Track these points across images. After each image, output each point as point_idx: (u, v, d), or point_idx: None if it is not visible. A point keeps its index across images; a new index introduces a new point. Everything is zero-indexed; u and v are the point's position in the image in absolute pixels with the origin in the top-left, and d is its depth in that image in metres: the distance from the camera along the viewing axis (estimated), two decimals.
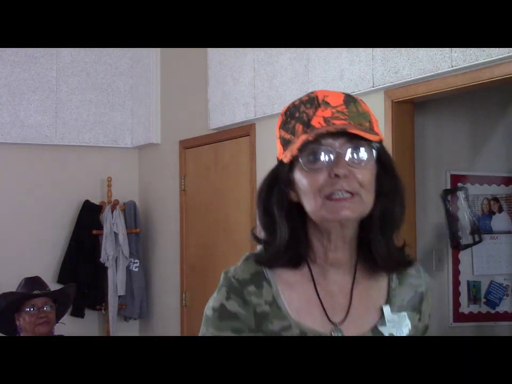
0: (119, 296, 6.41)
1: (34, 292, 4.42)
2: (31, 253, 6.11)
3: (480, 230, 5.37)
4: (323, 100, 1.72)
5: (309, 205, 1.71)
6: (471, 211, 5.37)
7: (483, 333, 5.33)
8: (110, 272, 6.39)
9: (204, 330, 1.78)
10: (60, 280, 6.19)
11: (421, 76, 4.31)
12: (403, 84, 4.45)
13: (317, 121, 1.69)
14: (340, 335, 1.76)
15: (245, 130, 5.53)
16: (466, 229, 5.35)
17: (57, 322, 4.53)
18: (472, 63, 4.07)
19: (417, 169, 4.74)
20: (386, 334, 1.77)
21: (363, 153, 1.70)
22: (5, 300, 4.53)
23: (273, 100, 5.21)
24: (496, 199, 5.45)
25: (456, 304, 5.32)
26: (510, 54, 3.90)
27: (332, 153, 1.68)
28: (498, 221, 5.44)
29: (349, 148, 1.68)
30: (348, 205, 1.68)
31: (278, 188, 1.77)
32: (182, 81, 6.23)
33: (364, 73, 4.61)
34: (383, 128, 4.56)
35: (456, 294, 5.32)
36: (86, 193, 6.51)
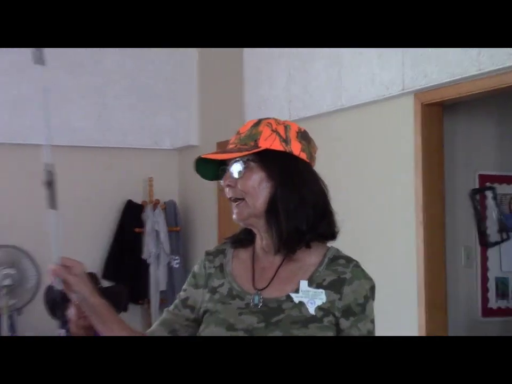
0: (161, 291, 6.45)
1: None
2: (78, 250, 6.10)
3: (507, 228, 5.36)
4: (238, 130, 2.20)
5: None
6: (499, 210, 5.35)
7: (511, 327, 5.31)
8: (152, 269, 6.46)
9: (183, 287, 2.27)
10: (104, 276, 6.26)
11: (450, 79, 4.31)
12: (432, 87, 4.44)
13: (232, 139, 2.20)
14: (258, 297, 2.09)
15: None
16: (494, 227, 5.33)
17: None
18: (499, 67, 4.05)
19: (447, 169, 4.73)
20: (296, 301, 2.05)
21: (238, 167, 2.09)
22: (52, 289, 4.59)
23: (307, 104, 5.23)
24: None
25: (485, 299, 5.31)
26: None
27: (224, 170, 2.13)
28: None
29: (233, 163, 2.11)
30: (236, 210, 2.13)
31: None
32: (219, 85, 6.27)
33: (395, 78, 4.62)
34: (412, 129, 4.57)
35: (485, 290, 5.31)
36: (128, 193, 6.57)
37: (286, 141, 2.10)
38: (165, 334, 2.18)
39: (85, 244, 6.30)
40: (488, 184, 5.33)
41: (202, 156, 2.12)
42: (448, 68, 4.30)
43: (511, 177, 5.40)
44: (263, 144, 2.08)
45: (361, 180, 4.93)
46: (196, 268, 2.27)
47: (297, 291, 2.06)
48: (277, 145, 2.09)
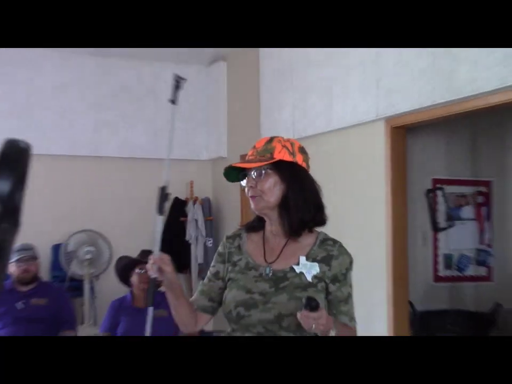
0: (198, 264, 6.44)
1: (144, 260, 4.55)
2: (141, 234, 6.17)
3: (453, 217, 5.37)
4: (254, 145, 2.16)
5: None
6: (447, 204, 5.36)
7: (454, 291, 5.34)
8: (192, 247, 6.42)
9: (211, 264, 2.25)
10: None
11: (411, 109, 4.30)
12: (398, 115, 4.43)
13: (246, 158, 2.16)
14: (269, 269, 2.10)
15: None
16: (443, 217, 5.34)
17: None
18: (447, 100, 4.07)
19: (409, 175, 4.73)
20: (298, 272, 2.07)
21: (258, 172, 2.09)
22: (125, 260, 4.68)
23: (306, 126, 5.23)
24: (464, 196, 5.44)
25: (436, 270, 5.33)
26: (472, 93, 3.91)
27: (245, 175, 2.13)
28: (465, 212, 5.43)
29: (253, 171, 2.10)
30: (253, 203, 2.12)
31: None
32: (242, 112, 6.26)
33: (371, 108, 4.62)
34: (383, 145, 4.60)
35: (436, 263, 5.33)
36: (175, 192, 6.48)
37: (293, 154, 2.11)
38: (206, 301, 2.18)
39: (148, 229, 6.33)
40: (438, 185, 5.34)
41: (233, 165, 2.14)
42: (410, 101, 4.32)
43: (455, 180, 5.39)
44: (277, 156, 2.08)
45: (347, 182, 4.93)
46: (220, 248, 2.25)
47: (297, 264, 2.08)
48: (287, 157, 2.09)
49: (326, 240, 2.15)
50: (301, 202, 2.09)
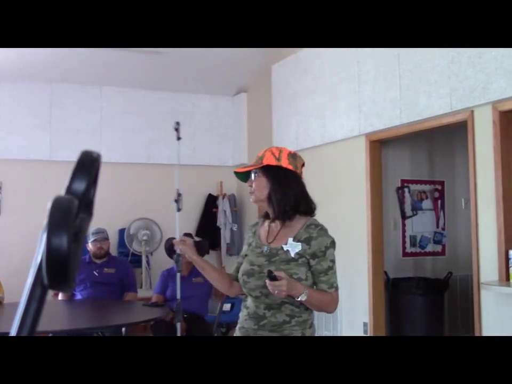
0: (227, 243, 6.47)
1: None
2: (183, 221, 6.19)
3: (416, 208, 5.33)
4: (258, 154, 2.07)
5: None
6: (411, 198, 5.33)
7: (418, 263, 5.31)
8: (222, 231, 6.41)
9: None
10: (196, 235, 6.21)
11: (384, 127, 4.31)
12: (375, 132, 4.45)
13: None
14: (267, 247, 2.02)
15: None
16: (409, 208, 5.31)
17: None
18: (412, 120, 4.06)
19: (383, 177, 4.72)
20: (285, 250, 1.98)
21: (253, 175, 2.02)
22: (171, 240, 4.65)
23: (306, 141, 5.22)
24: (424, 192, 5.40)
25: (404, 247, 5.30)
26: (429, 116, 3.89)
27: (250, 178, 2.04)
28: (425, 204, 5.38)
29: (251, 173, 2.03)
30: (251, 197, 2.04)
31: None
32: (259, 129, 6.28)
33: (355, 126, 4.63)
34: (364, 155, 4.58)
35: (404, 242, 5.30)
36: (209, 189, 6.55)
37: (278, 159, 2.00)
38: (236, 272, 2.11)
39: (189, 217, 6.35)
40: (405, 184, 5.31)
41: (235, 170, 2.09)
42: (383, 121, 4.31)
43: (417, 180, 5.35)
44: (265, 162, 2.01)
45: (336, 182, 4.91)
46: (245, 235, 2.20)
47: (286, 244, 2.00)
48: (273, 162, 2.00)
49: (310, 225, 2.01)
50: (280, 196, 1.99)
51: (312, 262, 1.97)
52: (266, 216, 2.11)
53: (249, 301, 2.02)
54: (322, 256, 1.97)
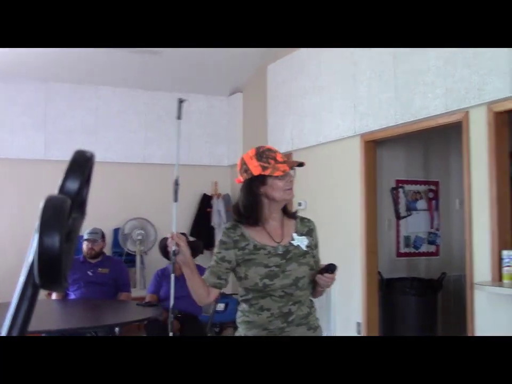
0: None
1: None
2: (178, 221, 6.18)
3: (410, 208, 5.35)
4: (274, 150, 2.01)
5: (278, 193, 1.99)
6: (406, 199, 5.34)
7: (412, 263, 5.32)
8: (216, 231, 6.38)
9: (215, 251, 2.05)
10: (190, 234, 6.21)
11: (379, 128, 4.32)
12: (370, 132, 4.46)
13: (280, 158, 1.99)
14: (280, 246, 2.00)
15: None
16: (403, 208, 5.32)
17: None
18: (406, 121, 4.07)
19: (378, 177, 4.73)
20: (295, 245, 2.02)
21: (293, 173, 2.02)
22: (166, 240, 4.63)
23: (302, 141, 5.23)
24: (418, 192, 5.41)
25: (398, 247, 5.31)
26: (425, 116, 3.89)
27: (290, 173, 2.00)
28: (420, 204, 5.40)
29: (291, 171, 2.00)
30: (291, 193, 2.02)
31: (253, 187, 1.99)
32: (254, 129, 6.27)
33: (350, 127, 4.63)
34: (359, 155, 4.58)
35: (398, 242, 5.31)
36: (204, 189, 6.54)
37: (246, 171, 1.99)
38: (215, 279, 2.00)
39: (184, 217, 6.34)
40: (400, 184, 5.32)
41: (292, 163, 2.07)
42: (378, 122, 4.32)
43: (412, 181, 5.36)
44: (239, 179, 2.03)
45: (332, 182, 4.91)
46: (223, 238, 2.04)
47: (292, 239, 2.04)
48: (239, 179, 2.03)
49: (303, 219, 2.13)
50: (247, 202, 2.01)
51: (314, 252, 2.09)
52: (239, 221, 2.04)
53: (269, 302, 1.98)
54: (318, 246, 2.13)
